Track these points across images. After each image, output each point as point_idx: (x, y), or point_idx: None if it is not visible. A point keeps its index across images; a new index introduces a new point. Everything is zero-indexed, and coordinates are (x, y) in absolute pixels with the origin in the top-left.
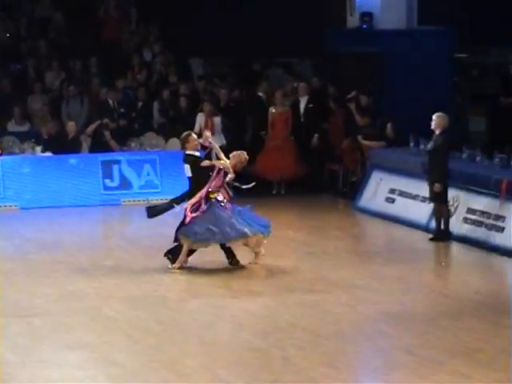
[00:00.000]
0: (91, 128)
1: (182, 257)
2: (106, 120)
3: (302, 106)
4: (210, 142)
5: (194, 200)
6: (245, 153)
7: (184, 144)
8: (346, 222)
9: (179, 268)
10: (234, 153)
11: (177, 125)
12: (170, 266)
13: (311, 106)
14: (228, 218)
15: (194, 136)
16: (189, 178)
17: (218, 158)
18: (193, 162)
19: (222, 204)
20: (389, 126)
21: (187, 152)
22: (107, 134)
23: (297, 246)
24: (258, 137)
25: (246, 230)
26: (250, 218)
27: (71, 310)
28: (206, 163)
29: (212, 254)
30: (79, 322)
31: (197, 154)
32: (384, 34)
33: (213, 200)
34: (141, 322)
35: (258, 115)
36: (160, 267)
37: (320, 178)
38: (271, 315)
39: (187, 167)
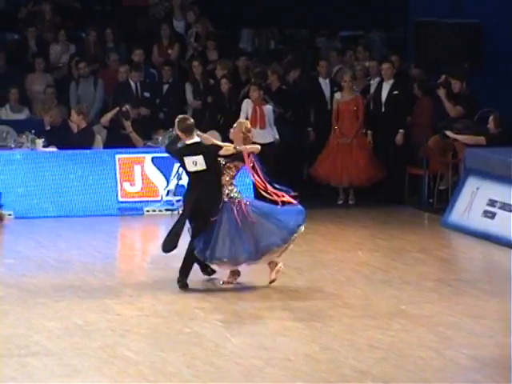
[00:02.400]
0: (107, 117)
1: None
2: (126, 106)
3: (385, 92)
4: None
5: None
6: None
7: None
8: (433, 242)
9: (228, 283)
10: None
11: (217, 113)
12: (220, 282)
13: (396, 92)
14: None
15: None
16: None
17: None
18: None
19: None
20: (491, 118)
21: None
22: (128, 124)
23: (368, 271)
24: (320, 131)
25: None
26: None
27: (79, 349)
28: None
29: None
30: (89, 365)
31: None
32: (485, 1)
33: None
34: (167, 366)
35: (318, 103)
36: (192, 295)
37: (399, 184)
38: (334, 360)
39: None
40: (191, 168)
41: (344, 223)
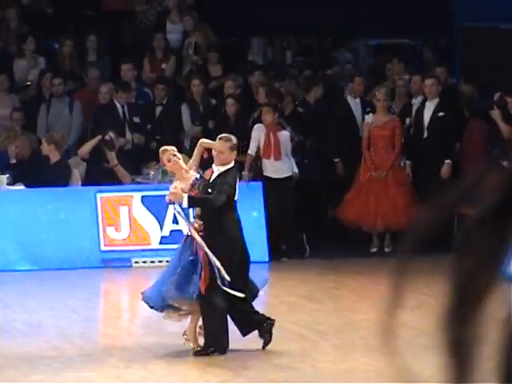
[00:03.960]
0: (87, 147)
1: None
2: (110, 134)
3: (428, 113)
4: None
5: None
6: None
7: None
8: (492, 298)
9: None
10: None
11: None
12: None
13: (442, 114)
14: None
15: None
16: None
17: None
18: None
19: None
20: None
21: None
22: (112, 156)
23: (410, 335)
24: (348, 163)
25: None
26: None
27: None
28: None
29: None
30: None
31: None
32: None
33: None
34: None
35: (347, 128)
36: (192, 365)
37: (448, 228)
38: None
39: None
40: None
41: (378, 276)
